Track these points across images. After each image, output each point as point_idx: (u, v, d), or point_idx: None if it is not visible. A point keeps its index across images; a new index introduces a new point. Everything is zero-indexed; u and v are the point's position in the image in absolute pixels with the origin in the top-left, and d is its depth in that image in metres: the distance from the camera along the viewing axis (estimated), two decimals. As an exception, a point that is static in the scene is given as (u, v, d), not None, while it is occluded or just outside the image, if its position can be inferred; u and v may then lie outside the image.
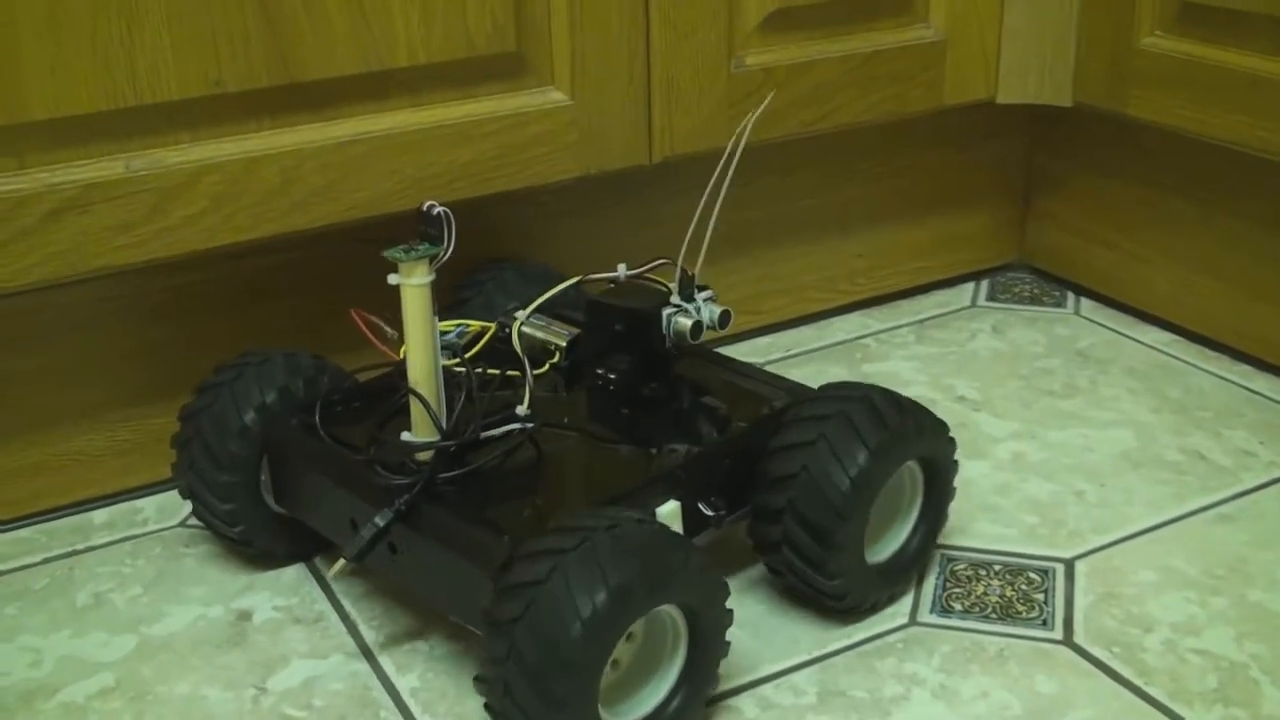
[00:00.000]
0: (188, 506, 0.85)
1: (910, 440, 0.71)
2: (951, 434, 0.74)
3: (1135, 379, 0.99)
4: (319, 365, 0.78)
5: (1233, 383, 0.98)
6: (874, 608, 0.74)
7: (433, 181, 0.84)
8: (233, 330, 0.87)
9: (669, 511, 0.67)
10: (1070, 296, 1.13)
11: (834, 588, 0.70)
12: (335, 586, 0.77)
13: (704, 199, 0.74)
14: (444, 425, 0.68)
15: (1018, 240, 1.19)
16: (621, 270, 0.79)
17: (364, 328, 0.68)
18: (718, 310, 0.75)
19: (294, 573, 0.79)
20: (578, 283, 0.79)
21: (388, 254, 0.65)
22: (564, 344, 0.78)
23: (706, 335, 0.76)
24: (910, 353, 1.04)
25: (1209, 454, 0.89)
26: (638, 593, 0.58)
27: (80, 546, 0.82)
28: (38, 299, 0.80)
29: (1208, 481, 0.86)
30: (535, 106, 0.86)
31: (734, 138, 0.73)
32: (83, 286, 0.81)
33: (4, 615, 0.76)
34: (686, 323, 0.74)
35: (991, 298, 1.14)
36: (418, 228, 0.66)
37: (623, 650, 0.61)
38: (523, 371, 0.73)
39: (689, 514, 0.68)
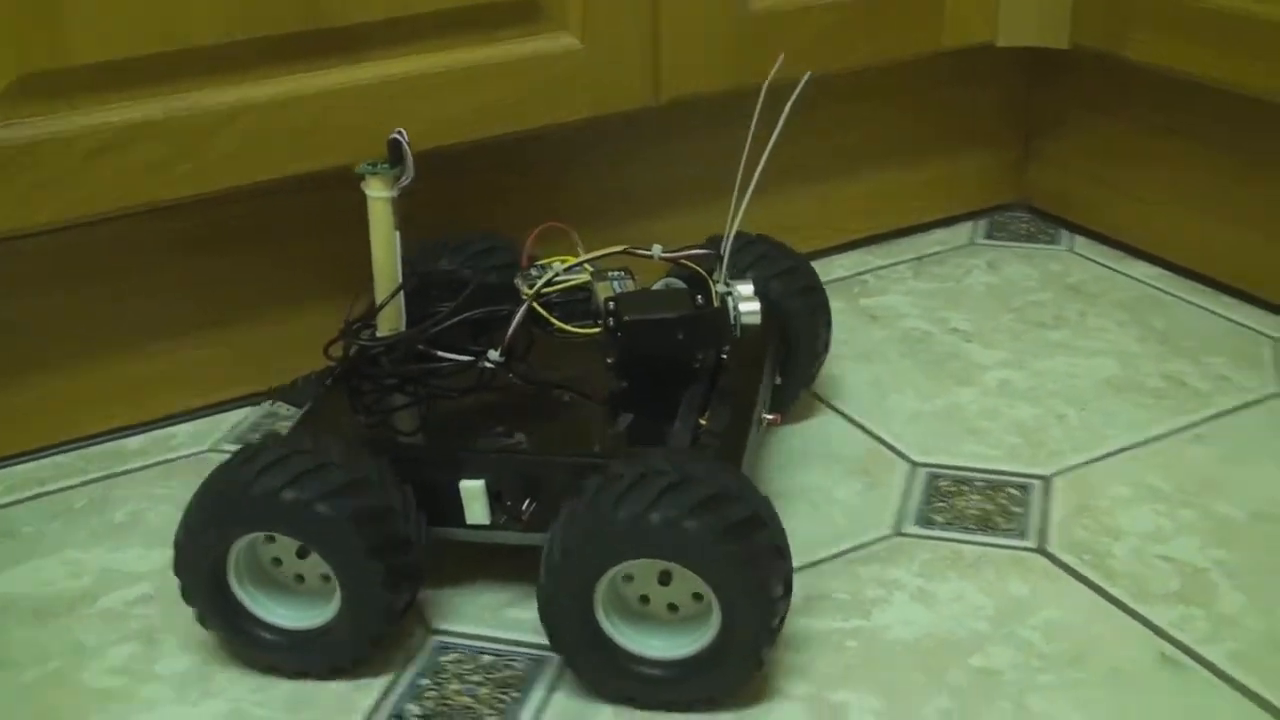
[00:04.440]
0: (220, 432, 0.91)
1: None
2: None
3: (1123, 311, 1.03)
4: None
5: (1216, 314, 1.02)
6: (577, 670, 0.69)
7: (452, 123, 0.89)
8: (273, 264, 0.93)
9: (470, 488, 0.70)
10: (1065, 234, 1.18)
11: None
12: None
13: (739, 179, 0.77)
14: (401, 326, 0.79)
15: (1017, 181, 1.23)
16: (657, 249, 0.78)
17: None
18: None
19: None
20: (621, 252, 0.79)
21: (357, 169, 0.75)
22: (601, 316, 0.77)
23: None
24: (907, 288, 1.09)
25: (1188, 380, 0.93)
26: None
27: (117, 470, 0.88)
28: (78, 235, 0.85)
29: (1185, 405, 0.90)
30: (549, 50, 0.90)
31: (755, 112, 0.77)
32: (122, 223, 0.86)
33: (47, 531, 0.82)
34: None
35: (989, 236, 1.19)
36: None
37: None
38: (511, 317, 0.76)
39: (495, 500, 0.71)
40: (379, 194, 0.76)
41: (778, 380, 0.85)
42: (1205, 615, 0.71)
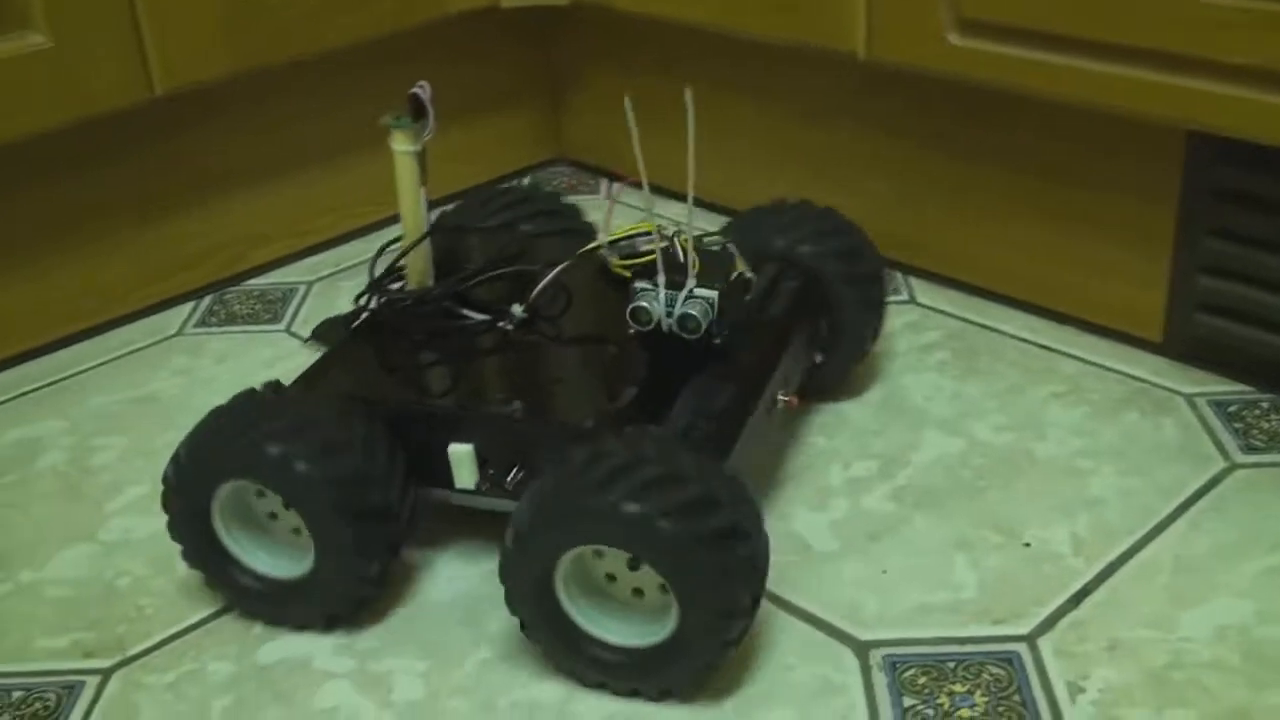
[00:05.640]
0: None
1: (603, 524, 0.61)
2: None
3: (655, 251, 1.08)
4: None
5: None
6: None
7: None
8: None
9: (459, 453, 0.68)
10: (604, 182, 1.22)
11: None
12: None
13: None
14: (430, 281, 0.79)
15: (553, 137, 1.26)
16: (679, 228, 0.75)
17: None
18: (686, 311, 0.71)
19: None
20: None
21: (382, 120, 0.74)
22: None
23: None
24: (453, 253, 1.10)
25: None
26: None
27: None
28: None
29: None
30: (12, 53, 0.85)
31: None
32: None
33: None
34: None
35: (533, 192, 1.22)
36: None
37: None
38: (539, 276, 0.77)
39: (483, 466, 0.69)
40: (402, 148, 0.74)
41: (818, 359, 0.83)
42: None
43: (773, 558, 0.73)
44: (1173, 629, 0.67)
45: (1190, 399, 0.85)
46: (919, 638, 0.67)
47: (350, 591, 0.68)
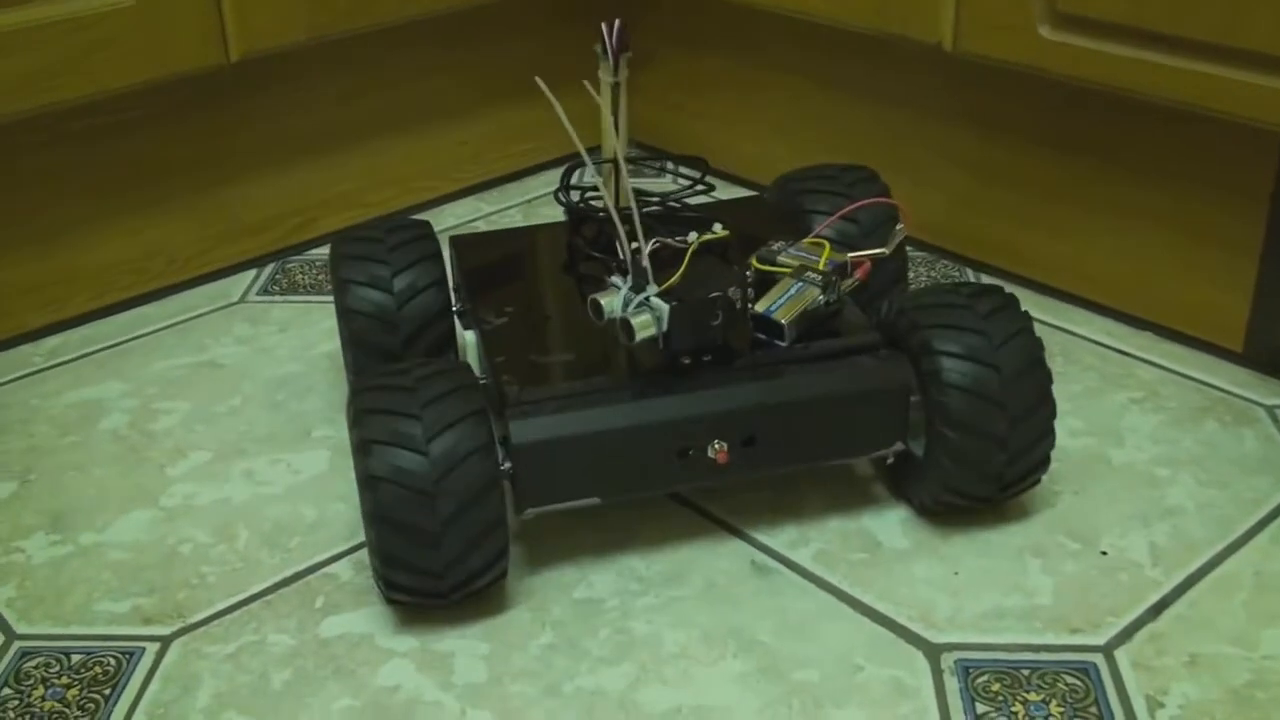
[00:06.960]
0: None
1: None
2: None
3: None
4: None
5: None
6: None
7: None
8: None
9: (469, 337, 0.77)
10: (669, 164, 1.20)
11: None
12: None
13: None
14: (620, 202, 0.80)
15: (618, 117, 1.25)
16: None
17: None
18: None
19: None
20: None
21: (597, 47, 0.79)
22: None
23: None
24: (516, 231, 1.09)
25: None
26: None
27: None
28: None
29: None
30: (94, 9, 0.85)
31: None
32: None
33: None
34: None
35: (597, 173, 1.20)
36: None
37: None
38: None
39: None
40: (601, 76, 0.80)
41: (888, 460, 0.73)
42: (793, 522, 0.75)
43: (842, 555, 0.72)
44: (1254, 647, 0.65)
45: (1271, 410, 0.83)
46: (993, 643, 0.66)
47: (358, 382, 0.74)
